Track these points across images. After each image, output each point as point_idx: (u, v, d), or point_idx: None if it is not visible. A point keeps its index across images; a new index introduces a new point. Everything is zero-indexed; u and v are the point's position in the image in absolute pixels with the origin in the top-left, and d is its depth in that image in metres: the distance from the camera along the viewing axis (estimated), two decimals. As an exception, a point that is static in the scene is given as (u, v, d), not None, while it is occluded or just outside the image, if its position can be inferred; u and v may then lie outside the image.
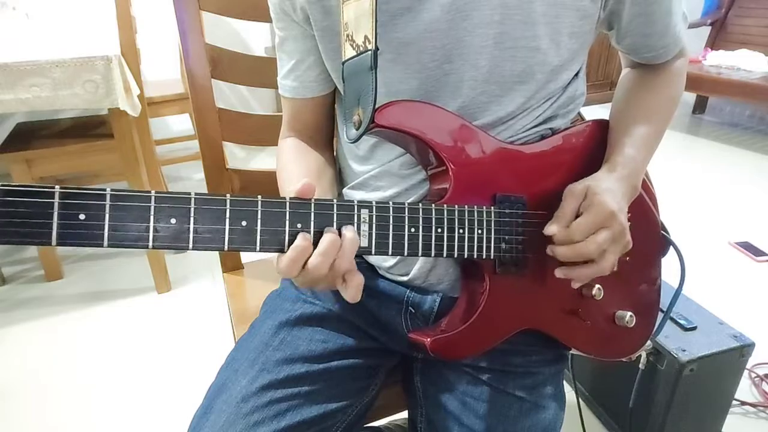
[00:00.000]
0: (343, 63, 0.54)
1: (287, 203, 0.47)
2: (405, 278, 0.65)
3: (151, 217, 0.42)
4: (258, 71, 0.92)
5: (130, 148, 1.62)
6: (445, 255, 0.54)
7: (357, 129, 0.53)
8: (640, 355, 1.03)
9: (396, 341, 0.68)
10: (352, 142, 0.54)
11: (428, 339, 0.56)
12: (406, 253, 0.52)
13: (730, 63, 2.99)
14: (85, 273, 1.85)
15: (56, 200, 0.39)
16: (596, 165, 0.62)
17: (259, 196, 0.46)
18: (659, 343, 1.00)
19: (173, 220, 0.42)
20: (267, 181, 0.94)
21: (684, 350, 0.98)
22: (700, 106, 3.62)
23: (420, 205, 0.52)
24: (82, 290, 1.75)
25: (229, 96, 2.93)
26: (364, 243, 0.50)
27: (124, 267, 1.88)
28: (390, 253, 0.51)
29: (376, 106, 0.51)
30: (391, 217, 0.51)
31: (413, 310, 0.65)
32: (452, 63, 0.57)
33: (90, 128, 1.80)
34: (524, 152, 0.60)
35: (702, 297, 1.14)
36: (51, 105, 1.40)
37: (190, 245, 0.43)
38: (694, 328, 1.04)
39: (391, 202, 0.51)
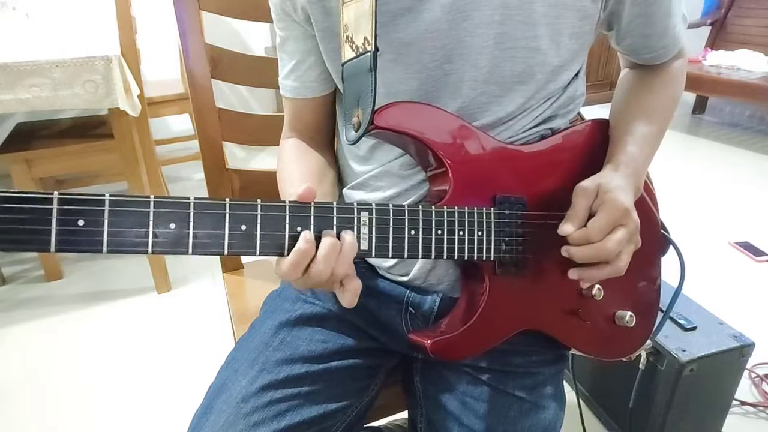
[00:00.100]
0: (343, 64, 0.54)
1: (287, 207, 0.47)
2: (405, 278, 0.65)
3: (150, 223, 0.41)
4: (258, 71, 0.92)
5: (130, 149, 1.62)
6: (445, 257, 0.54)
7: (356, 130, 0.53)
8: (640, 355, 1.03)
9: (396, 341, 0.68)
10: (351, 144, 0.54)
11: (428, 340, 0.56)
12: (406, 256, 0.52)
13: (730, 63, 2.99)
14: (85, 273, 1.85)
15: (54, 206, 0.38)
16: (596, 165, 0.62)
17: (259, 200, 0.45)
18: (659, 343, 1.00)
19: (172, 225, 0.42)
20: (267, 181, 0.94)
21: (684, 350, 0.98)
22: (700, 106, 3.62)
23: (420, 207, 0.52)
24: (82, 290, 1.76)
25: (229, 96, 2.93)
26: (364, 246, 0.50)
27: (124, 267, 1.88)
28: (390, 255, 0.51)
29: (376, 108, 0.51)
30: (391, 220, 0.51)
31: (413, 311, 0.65)
32: (452, 63, 0.57)
33: (90, 128, 1.80)
34: (524, 152, 0.60)
35: (702, 297, 1.14)
36: (51, 105, 1.40)
37: (190, 250, 0.43)
38: (694, 328, 1.04)
39: (390, 205, 0.51)
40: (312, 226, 0.47)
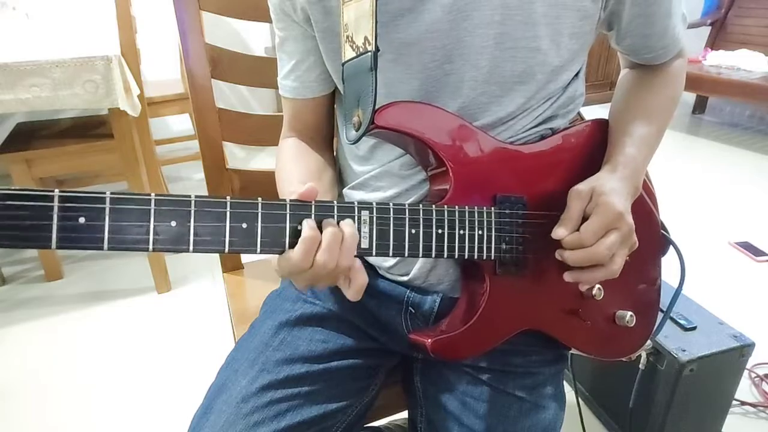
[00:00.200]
0: (343, 64, 0.54)
1: (287, 205, 0.47)
2: (405, 278, 0.65)
3: (151, 220, 0.42)
4: (258, 71, 0.92)
5: (130, 148, 1.62)
6: (445, 256, 0.54)
7: (357, 130, 0.53)
8: (640, 355, 1.03)
9: (396, 341, 0.68)
10: (352, 144, 0.54)
11: (429, 340, 0.56)
12: (406, 254, 0.52)
13: (730, 63, 2.99)
14: (85, 273, 1.85)
15: (55, 204, 0.39)
16: (597, 164, 0.62)
17: (260, 198, 0.45)
18: (659, 343, 1.00)
19: (173, 223, 0.42)
20: (267, 181, 0.94)
21: (684, 350, 0.98)
22: (700, 106, 3.62)
23: (420, 205, 0.52)
24: (82, 290, 1.76)
25: (229, 96, 2.93)
26: (365, 244, 0.50)
27: (124, 267, 1.88)
28: (391, 254, 0.51)
29: (376, 107, 0.51)
30: (391, 218, 0.51)
31: (413, 311, 0.65)
32: (453, 63, 0.57)
33: (90, 128, 1.80)
34: (524, 152, 0.60)
35: (702, 297, 1.14)
36: (51, 105, 1.40)
37: (191, 248, 0.43)
38: (694, 328, 1.04)
39: (391, 203, 0.51)
40: (313, 219, 0.48)
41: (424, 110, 0.55)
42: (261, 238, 0.46)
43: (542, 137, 0.63)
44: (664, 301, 0.70)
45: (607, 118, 0.67)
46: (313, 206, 0.48)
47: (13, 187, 0.38)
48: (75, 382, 1.38)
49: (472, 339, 0.57)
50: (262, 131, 0.95)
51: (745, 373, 1.33)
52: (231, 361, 0.64)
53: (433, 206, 0.53)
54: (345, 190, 0.71)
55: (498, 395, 0.62)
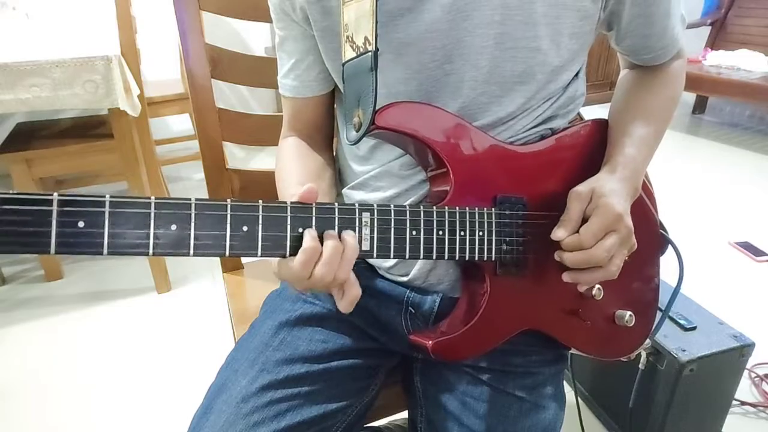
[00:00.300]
0: (344, 64, 0.54)
1: (288, 208, 0.47)
2: (405, 278, 0.65)
3: (152, 224, 0.41)
4: (258, 71, 0.92)
5: (130, 148, 1.62)
6: (446, 257, 0.54)
7: (357, 130, 0.53)
8: (640, 355, 1.03)
9: (396, 341, 0.68)
10: (352, 144, 0.54)
11: (430, 341, 0.56)
12: (407, 256, 0.52)
13: (730, 63, 2.99)
14: (85, 273, 1.85)
15: (54, 208, 0.38)
16: (597, 164, 0.62)
17: (260, 201, 0.45)
18: (659, 343, 1.00)
19: (173, 227, 0.42)
20: (267, 181, 0.94)
21: (684, 350, 0.98)
22: (700, 106, 3.62)
23: (421, 207, 0.52)
24: (82, 290, 1.75)
25: (229, 96, 2.93)
26: (366, 246, 0.50)
27: (124, 267, 1.88)
28: (392, 256, 0.51)
29: (377, 108, 0.51)
30: (392, 220, 0.51)
31: (413, 311, 0.65)
32: (453, 63, 0.57)
33: (90, 128, 1.80)
34: (524, 153, 0.60)
35: (702, 297, 1.14)
36: (51, 105, 1.40)
37: (191, 252, 0.42)
38: (693, 328, 1.04)
39: (392, 205, 0.51)
40: (314, 227, 0.47)
41: (424, 111, 0.55)
42: (262, 242, 0.45)
43: (542, 137, 0.63)
44: (663, 300, 0.70)
45: (606, 118, 0.67)
46: (314, 209, 0.48)
47: (11, 192, 0.37)
48: (75, 382, 1.38)
49: (473, 340, 0.57)
50: (262, 131, 0.95)
51: (745, 373, 1.33)
52: (231, 361, 0.64)
53: (434, 208, 0.53)
54: (345, 190, 0.71)
55: (498, 395, 0.62)
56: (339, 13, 0.55)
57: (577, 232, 0.55)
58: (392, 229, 0.51)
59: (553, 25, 0.56)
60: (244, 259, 1.03)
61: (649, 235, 0.68)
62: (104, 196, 0.40)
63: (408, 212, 0.51)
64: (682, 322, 1.05)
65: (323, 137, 0.74)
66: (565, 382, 0.69)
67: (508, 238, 0.57)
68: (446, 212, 0.53)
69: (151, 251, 0.41)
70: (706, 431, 1.11)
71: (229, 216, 0.44)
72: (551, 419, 0.63)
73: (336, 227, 0.48)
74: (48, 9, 2.04)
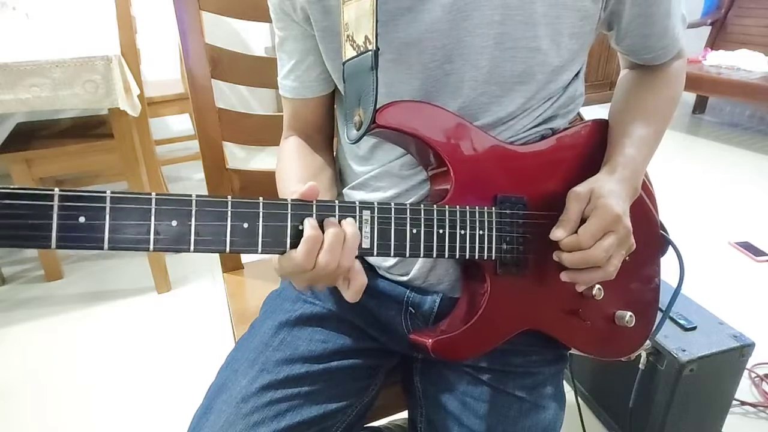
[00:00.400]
0: (344, 63, 0.54)
1: (289, 204, 0.47)
2: (405, 278, 0.65)
3: (152, 219, 0.41)
4: (258, 71, 0.92)
5: (130, 148, 1.62)
6: (446, 256, 0.54)
7: (358, 130, 0.53)
8: (640, 355, 1.03)
9: (396, 341, 0.68)
10: (353, 143, 0.54)
11: (430, 340, 0.56)
12: (407, 254, 0.52)
13: (730, 63, 2.99)
14: (85, 273, 1.85)
15: (55, 203, 0.38)
16: (597, 164, 0.62)
17: (261, 198, 0.45)
18: (659, 343, 1.00)
19: (174, 222, 0.42)
20: (267, 181, 0.94)
21: (684, 350, 0.98)
22: (700, 106, 3.62)
23: (422, 205, 0.52)
24: (82, 290, 1.75)
25: (229, 96, 2.93)
26: (366, 244, 0.50)
27: (124, 267, 1.88)
28: (392, 254, 0.51)
29: (377, 107, 0.51)
30: (392, 218, 0.51)
31: (413, 311, 0.65)
32: (453, 63, 0.57)
33: (90, 128, 1.80)
34: (525, 152, 0.60)
35: (702, 297, 1.14)
36: (51, 105, 1.40)
37: (192, 248, 0.43)
38: (694, 328, 1.04)
39: (392, 203, 0.51)
40: (314, 218, 0.47)
41: (425, 110, 0.55)
42: (262, 237, 0.45)
43: (542, 137, 0.63)
44: (664, 300, 0.70)
45: (606, 118, 0.67)
46: (314, 206, 0.48)
47: (12, 186, 0.37)
48: (75, 382, 1.38)
49: (473, 339, 0.57)
50: (262, 131, 0.95)
51: (745, 373, 1.33)
52: (231, 361, 0.64)
53: (435, 206, 0.53)
54: (345, 190, 0.71)
55: (498, 395, 0.62)
56: (339, 13, 0.55)
57: (576, 232, 0.55)
58: (392, 227, 0.51)
59: (553, 25, 0.56)
60: (244, 259, 1.03)
61: (650, 236, 0.68)
62: (105, 192, 0.40)
63: (408, 210, 0.51)
64: (682, 322, 1.05)
65: (323, 137, 0.74)
66: (565, 382, 0.69)
67: (508, 238, 0.57)
68: (446, 210, 0.53)
69: (151, 246, 0.41)
70: (706, 431, 1.11)
71: (229, 212, 0.44)
72: (551, 419, 0.63)
73: (336, 218, 0.48)
74: (48, 9, 2.04)
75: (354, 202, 0.49)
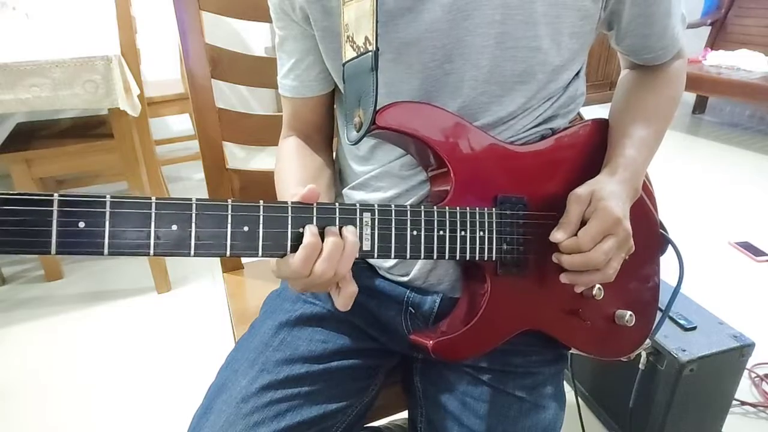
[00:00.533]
0: (344, 64, 0.54)
1: (289, 208, 0.47)
2: (405, 279, 0.65)
3: (152, 224, 0.41)
4: (258, 71, 0.92)
5: (130, 148, 1.62)
6: (447, 257, 0.54)
7: (358, 130, 0.53)
8: (640, 355, 1.03)
9: (396, 341, 0.68)
10: (353, 144, 0.54)
11: (430, 341, 0.56)
12: (408, 256, 0.52)
13: (730, 63, 2.99)
14: (85, 273, 1.85)
15: (55, 208, 0.38)
16: (597, 164, 0.62)
17: (261, 201, 0.45)
18: (659, 343, 1.00)
19: (174, 227, 0.42)
20: (267, 181, 0.94)
21: (684, 350, 0.98)
22: (700, 106, 3.62)
23: (422, 207, 0.52)
24: (82, 290, 1.75)
25: (229, 96, 2.93)
26: (367, 246, 0.50)
27: (124, 267, 1.88)
28: (393, 256, 0.51)
29: (377, 108, 0.51)
30: (393, 220, 0.51)
31: (413, 311, 0.65)
32: (453, 63, 0.57)
33: (90, 128, 1.80)
34: (525, 153, 0.60)
35: (702, 297, 1.14)
36: (51, 105, 1.40)
37: (192, 252, 0.42)
38: (693, 328, 1.04)
39: (393, 205, 0.51)
40: (315, 224, 0.47)
41: (425, 110, 0.55)
42: (263, 241, 0.45)
43: (543, 137, 0.63)
44: (664, 300, 0.70)
45: (607, 118, 0.67)
46: (314, 209, 0.48)
47: (11, 192, 0.37)
48: (75, 382, 1.38)
49: (474, 339, 0.57)
50: (262, 131, 0.95)
51: (745, 373, 1.33)
52: (231, 361, 0.64)
53: (435, 208, 0.53)
54: (345, 191, 0.71)
55: (498, 395, 0.62)
56: (339, 14, 0.55)
57: (576, 234, 0.55)
58: (393, 229, 0.51)
59: (554, 25, 0.56)
60: (244, 259, 1.03)
61: (650, 236, 0.68)
62: (105, 196, 0.40)
63: (409, 212, 0.51)
64: (682, 322, 1.05)
65: (323, 137, 0.74)
66: (565, 382, 0.69)
67: (508, 238, 0.57)
68: (447, 212, 0.53)
69: (152, 251, 0.41)
70: (706, 431, 1.11)
71: (229, 216, 0.44)
72: (551, 419, 0.63)
73: (336, 227, 0.48)
74: (48, 9, 2.04)
75: (354, 205, 0.49)
